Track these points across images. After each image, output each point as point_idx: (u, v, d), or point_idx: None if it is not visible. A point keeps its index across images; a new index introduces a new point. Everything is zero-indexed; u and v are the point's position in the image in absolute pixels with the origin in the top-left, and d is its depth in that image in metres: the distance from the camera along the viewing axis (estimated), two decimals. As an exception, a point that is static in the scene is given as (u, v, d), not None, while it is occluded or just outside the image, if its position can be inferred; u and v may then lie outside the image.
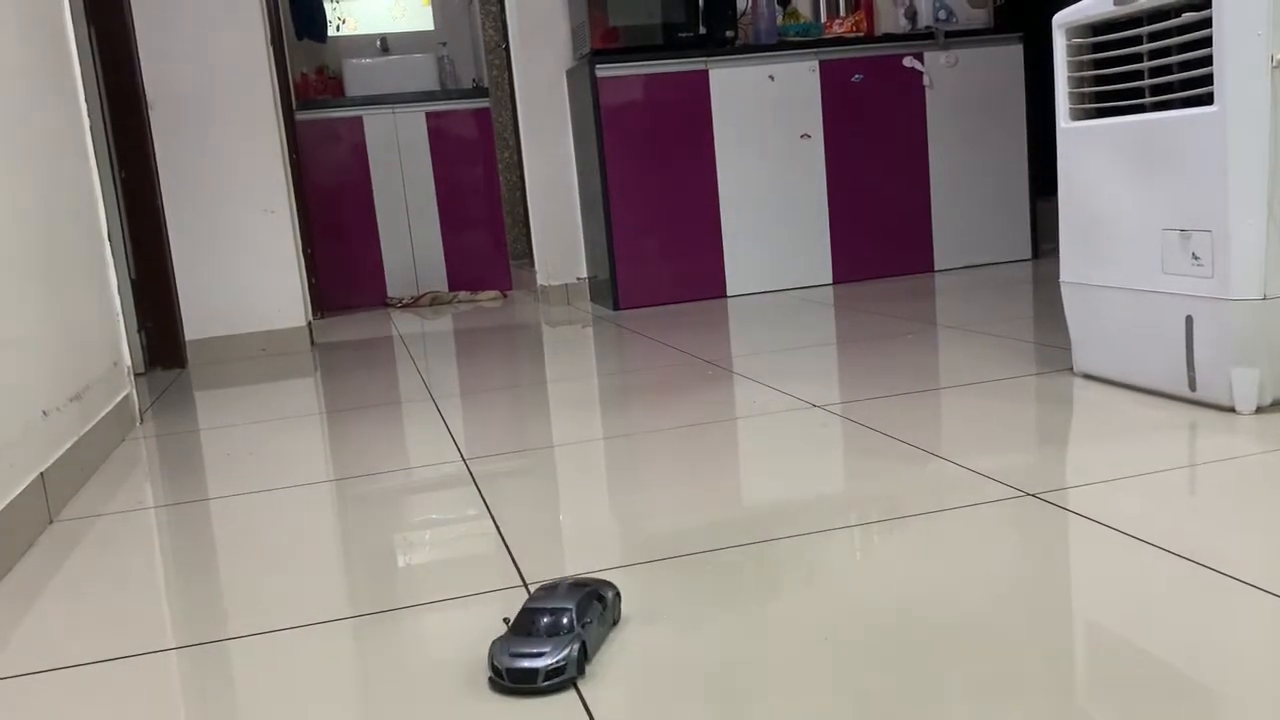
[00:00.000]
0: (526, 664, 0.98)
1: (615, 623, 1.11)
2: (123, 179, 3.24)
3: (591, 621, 1.05)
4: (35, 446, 1.74)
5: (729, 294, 3.92)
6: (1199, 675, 0.91)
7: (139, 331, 3.31)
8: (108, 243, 2.51)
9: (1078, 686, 0.91)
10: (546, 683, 0.97)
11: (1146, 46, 1.82)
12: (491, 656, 1.00)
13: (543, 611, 1.03)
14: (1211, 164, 1.70)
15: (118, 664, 1.14)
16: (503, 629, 1.12)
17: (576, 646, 1.00)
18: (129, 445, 2.27)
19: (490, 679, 1.01)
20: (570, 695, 0.97)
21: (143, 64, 3.28)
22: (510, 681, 0.98)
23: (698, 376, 2.46)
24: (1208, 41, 1.68)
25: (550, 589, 1.08)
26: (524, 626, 1.03)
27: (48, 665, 1.15)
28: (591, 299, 4.18)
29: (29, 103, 2.02)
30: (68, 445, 1.90)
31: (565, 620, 1.02)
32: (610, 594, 1.10)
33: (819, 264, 3.98)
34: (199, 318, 3.43)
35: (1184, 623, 1.01)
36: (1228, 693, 0.88)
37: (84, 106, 2.47)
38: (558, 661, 0.98)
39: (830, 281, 4.00)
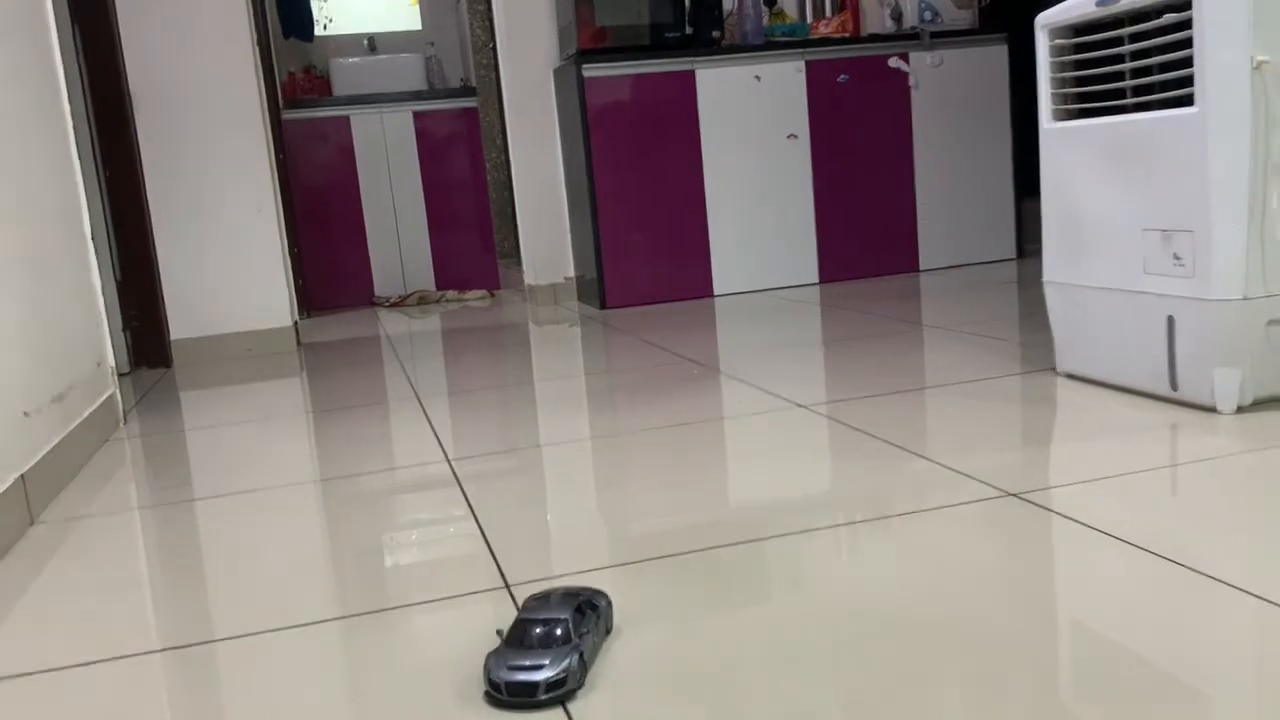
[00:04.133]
0: (525, 677, 0.94)
1: (608, 632, 1.09)
2: (107, 178, 3.23)
3: (588, 631, 1.02)
4: (16, 448, 1.73)
5: (715, 293, 3.92)
6: (1180, 674, 0.92)
7: (124, 331, 3.29)
8: (91, 242, 2.50)
9: (1060, 685, 0.92)
10: (547, 695, 0.94)
11: (1128, 48, 1.83)
12: (487, 670, 0.97)
13: (537, 622, 1.00)
14: (1192, 165, 1.71)
15: (101, 667, 1.14)
16: (495, 641, 1.09)
17: (576, 657, 0.97)
18: (112, 446, 2.26)
19: (487, 694, 0.97)
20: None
21: (127, 63, 3.27)
22: (509, 695, 0.94)
23: (684, 376, 2.46)
24: (1189, 43, 1.69)
25: (543, 599, 1.05)
26: (519, 638, 0.99)
27: (29, 669, 1.15)
28: (579, 298, 4.17)
29: (10, 101, 2.00)
30: (50, 446, 1.89)
31: (561, 631, 0.99)
32: (603, 603, 1.08)
33: (805, 264, 3.99)
34: (184, 317, 3.42)
35: (1165, 622, 1.02)
36: (1209, 692, 0.89)
37: (67, 106, 2.46)
38: (558, 674, 0.95)
39: (816, 281, 4.01)
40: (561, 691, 0.95)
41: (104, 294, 2.56)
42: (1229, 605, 1.04)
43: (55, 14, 2.46)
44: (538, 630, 0.99)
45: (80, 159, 2.51)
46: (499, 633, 1.04)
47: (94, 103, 3.19)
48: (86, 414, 2.18)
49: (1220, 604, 1.05)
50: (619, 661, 1.03)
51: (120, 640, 1.20)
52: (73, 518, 1.73)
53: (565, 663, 0.96)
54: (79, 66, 3.13)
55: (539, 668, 0.95)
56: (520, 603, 1.18)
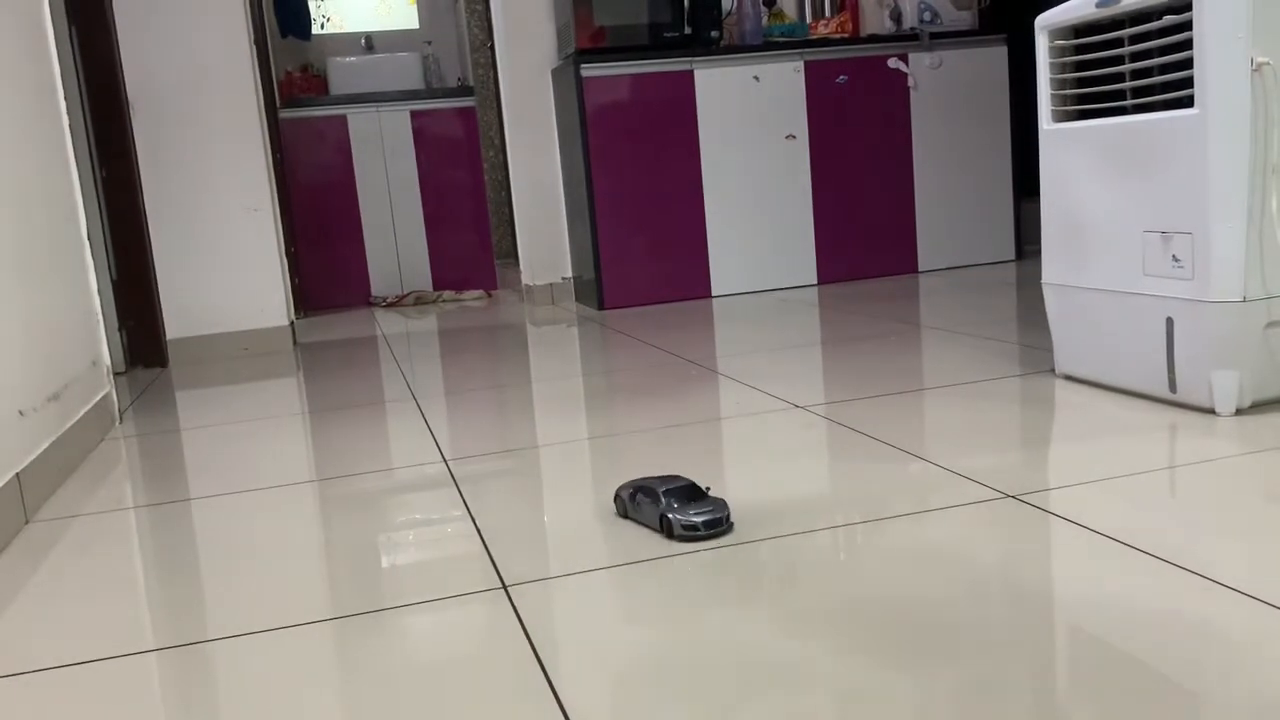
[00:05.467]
0: (712, 516, 1.35)
1: None
2: (104, 178, 3.22)
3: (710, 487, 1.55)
4: (11, 446, 1.72)
5: (714, 294, 3.92)
6: (1178, 677, 0.91)
7: (119, 331, 3.28)
8: (87, 242, 2.49)
9: (1058, 687, 0.91)
10: (726, 526, 1.37)
11: (1128, 49, 1.82)
12: (675, 520, 1.35)
13: (680, 489, 1.39)
14: (1192, 166, 1.71)
15: (96, 666, 1.13)
16: (617, 511, 1.48)
17: (725, 502, 1.40)
18: (108, 445, 2.26)
19: (680, 535, 1.34)
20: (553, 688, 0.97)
21: (124, 62, 3.26)
22: (707, 530, 1.34)
23: (682, 377, 2.45)
24: (1189, 44, 1.69)
25: (658, 480, 1.42)
26: (684, 497, 1.38)
27: (25, 668, 1.14)
28: (576, 299, 4.17)
29: (6, 100, 2.00)
30: (45, 445, 1.88)
31: (700, 490, 1.41)
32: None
33: (803, 265, 3.99)
34: (180, 317, 3.41)
35: (1163, 625, 1.02)
36: (1206, 694, 0.88)
37: (63, 105, 2.45)
38: (728, 513, 1.38)
39: (815, 282, 4.01)
40: (730, 524, 1.39)
41: (100, 293, 2.55)
42: (1227, 607, 1.04)
43: (52, 13, 2.46)
44: (691, 492, 1.39)
45: (77, 158, 2.50)
46: (623, 508, 1.46)
47: (91, 101, 3.18)
48: (82, 413, 2.17)
49: (1218, 606, 1.04)
50: (617, 661, 1.03)
51: (115, 639, 1.19)
52: (68, 516, 1.72)
53: (727, 507, 1.38)
54: (76, 65, 3.12)
55: (714, 510, 1.37)
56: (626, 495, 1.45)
